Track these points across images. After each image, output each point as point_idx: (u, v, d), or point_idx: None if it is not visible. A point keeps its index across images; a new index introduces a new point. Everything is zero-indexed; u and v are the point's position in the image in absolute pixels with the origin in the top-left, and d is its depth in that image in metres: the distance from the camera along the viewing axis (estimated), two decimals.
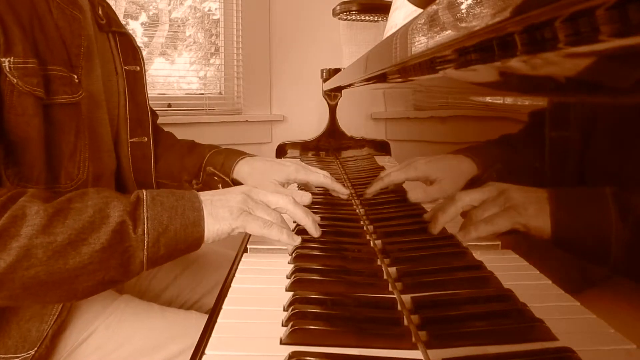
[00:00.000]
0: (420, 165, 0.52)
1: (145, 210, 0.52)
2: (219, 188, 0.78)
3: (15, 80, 0.56)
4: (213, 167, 0.85)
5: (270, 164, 0.81)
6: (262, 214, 0.58)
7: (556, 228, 0.26)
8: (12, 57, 0.56)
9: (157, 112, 0.98)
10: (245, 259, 0.60)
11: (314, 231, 0.62)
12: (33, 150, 0.59)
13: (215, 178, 0.84)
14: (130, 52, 0.84)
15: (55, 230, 0.48)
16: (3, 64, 0.55)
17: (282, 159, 0.81)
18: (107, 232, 0.49)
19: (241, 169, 0.83)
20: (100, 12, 0.79)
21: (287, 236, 0.58)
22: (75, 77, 0.66)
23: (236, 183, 0.83)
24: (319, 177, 0.77)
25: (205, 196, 0.58)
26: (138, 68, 0.85)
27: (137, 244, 0.51)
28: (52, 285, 0.49)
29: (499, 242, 0.33)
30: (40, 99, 0.59)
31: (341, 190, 0.78)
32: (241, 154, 0.85)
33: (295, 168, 0.79)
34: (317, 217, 0.66)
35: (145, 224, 0.52)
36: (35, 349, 0.59)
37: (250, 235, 0.69)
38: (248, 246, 0.65)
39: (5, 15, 0.56)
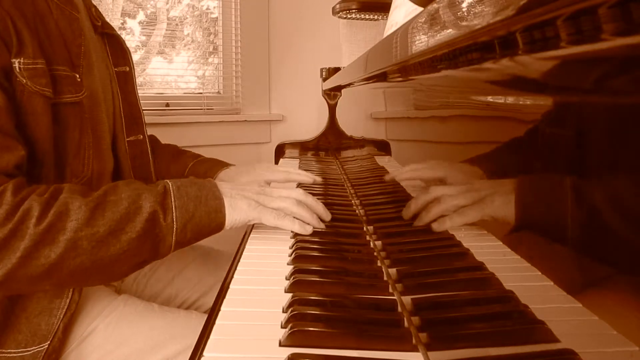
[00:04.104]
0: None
1: (172, 200, 0.57)
2: None
3: (24, 80, 0.58)
4: (195, 176, 0.89)
5: (240, 170, 0.88)
6: (276, 204, 0.63)
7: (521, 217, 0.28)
8: (23, 58, 0.58)
9: (155, 111, 0.98)
10: (244, 259, 0.60)
11: (321, 224, 0.67)
12: (42, 149, 0.61)
13: None
14: (120, 53, 0.86)
15: (97, 222, 0.53)
16: (14, 65, 0.57)
17: (252, 165, 0.89)
18: (141, 222, 0.55)
19: (222, 179, 0.89)
20: (94, 13, 0.80)
21: (299, 226, 0.64)
22: (77, 76, 0.67)
23: None
24: (281, 175, 0.85)
25: (224, 187, 0.62)
26: (128, 68, 0.87)
27: (167, 230, 0.56)
28: (95, 271, 0.54)
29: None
30: (49, 99, 0.61)
31: (304, 179, 0.83)
32: (223, 165, 0.91)
33: (260, 172, 0.86)
34: (320, 207, 0.69)
35: (174, 212, 0.57)
36: (48, 342, 0.60)
37: (249, 235, 0.69)
38: (248, 246, 0.65)
39: (15, 17, 0.58)
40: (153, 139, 0.99)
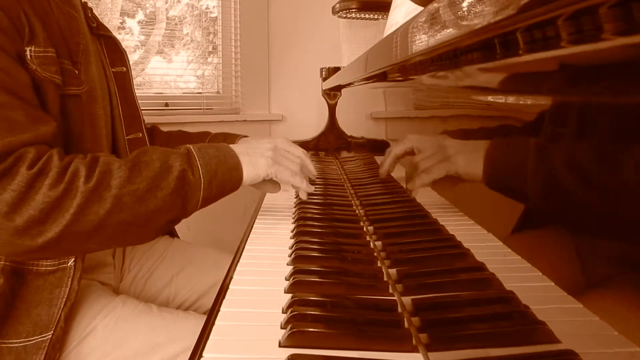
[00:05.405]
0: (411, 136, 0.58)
1: (197, 159, 0.63)
2: None
3: (35, 67, 0.61)
4: None
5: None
6: (289, 164, 0.73)
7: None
8: (34, 47, 0.61)
9: (154, 111, 0.99)
10: (244, 260, 0.60)
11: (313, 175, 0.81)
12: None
13: None
14: (117, 54, 0.88)
15: (136, 180, 0.58)
16: (26, 53, 0.60)
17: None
18: (173, 179, 0.60)
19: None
20: (90, 15, 0.81)
21: (307, 185, 0.76)
22: (77, 72, 0.69)
23: None
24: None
25: (239, 148, 0.69)
26: (124, 69, 0.88)
27: (196, 186, 0.62)
28: (135, 227, 0.59)
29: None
30: (58, 87, 0.64)
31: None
32: (237, 135, 0.97)
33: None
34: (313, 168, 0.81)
35: (200, 170, 0.63)
36: (51, 332, 0.61)
37: (249, 235, 0.69)
38: (247, 246, 0.65)
39: (26, 8, 0.61)
40: (158, 129, 1.01)
